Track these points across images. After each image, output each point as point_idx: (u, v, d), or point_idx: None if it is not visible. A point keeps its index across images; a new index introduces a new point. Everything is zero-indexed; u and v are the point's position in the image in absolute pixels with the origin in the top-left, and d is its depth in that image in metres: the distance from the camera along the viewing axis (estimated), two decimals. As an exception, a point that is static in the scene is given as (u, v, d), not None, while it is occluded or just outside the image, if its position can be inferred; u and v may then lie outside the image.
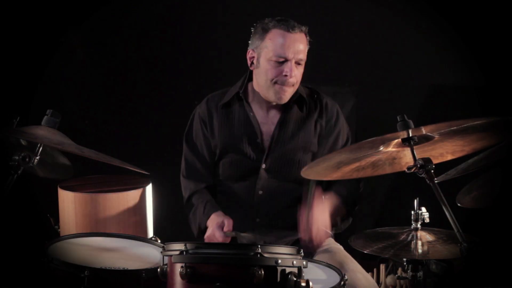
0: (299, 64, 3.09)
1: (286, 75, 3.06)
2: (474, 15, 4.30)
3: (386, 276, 3.77)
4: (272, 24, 3.08)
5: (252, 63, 3.15)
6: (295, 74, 3.07)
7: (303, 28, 3.10)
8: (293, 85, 3.11)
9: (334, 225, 3.13)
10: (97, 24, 4.49)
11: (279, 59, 3.06)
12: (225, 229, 3.01)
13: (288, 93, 3.11)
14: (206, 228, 3.11)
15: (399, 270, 3.67)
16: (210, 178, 3.24)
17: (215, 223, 3.04)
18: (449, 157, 2.77)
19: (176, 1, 4.60)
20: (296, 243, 3.13)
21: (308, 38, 3.11)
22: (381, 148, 2.71)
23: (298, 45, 3.07)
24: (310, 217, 3.01)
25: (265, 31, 3.09)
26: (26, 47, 4.27)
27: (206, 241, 3.05)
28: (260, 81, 3.13)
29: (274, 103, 3.16)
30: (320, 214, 3.04)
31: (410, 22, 4.49)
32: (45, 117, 2.77)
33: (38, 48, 4.30)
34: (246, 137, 3.18)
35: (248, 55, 3.16)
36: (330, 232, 3.15)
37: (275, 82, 3.08)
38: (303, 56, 3.09)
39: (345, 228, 3.25)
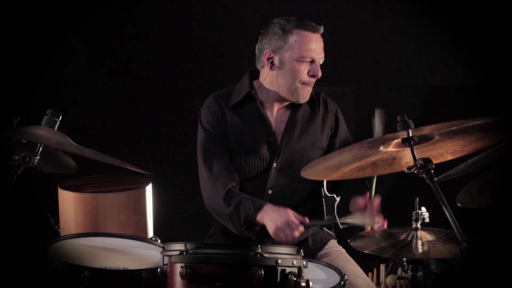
0: (320, 64, 3.11)
1: (314, 75, 3.08)
2: (474, 15, 4.30)
3: (386, 276, 3.77)
4: (292, 24, 3.07)
5: (272, 64, 3.13)
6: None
7: (322, 28, 3.11)
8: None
9: None
10: (97, 24, 4.48)
11: (307, 60, 3.06)
12: (300, 219, 2.90)
13: (310, 93, 3.13)
14: (255, 221, 2.99)
15: (399, 270, 3.67)
16: (237, 175, 3.16)
17: (286, 213, 2.91)
18: (449, 157, 2.77)
19: (176, 1, 4.60)
20: (301, 244, 3.12)
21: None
22: (381, 148, 2.71)
23: (321, 45, 3.09)
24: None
25: (286, 32, 3.07)
26: (26, 47, 4.27)
27: (275, 235, 2.91)
28: (284, 82, 3.10)
29: (286, 103, 3.16)
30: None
31: (410, 22, 4.50)
32: (45, 117, 2.77)
33: (38, 48, 4.29)
34: (260, 137, 3.15)
35: (265, 56, 3.11)
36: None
37: (303, 83, 3.09)
38: (323, 56, 3.11)
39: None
